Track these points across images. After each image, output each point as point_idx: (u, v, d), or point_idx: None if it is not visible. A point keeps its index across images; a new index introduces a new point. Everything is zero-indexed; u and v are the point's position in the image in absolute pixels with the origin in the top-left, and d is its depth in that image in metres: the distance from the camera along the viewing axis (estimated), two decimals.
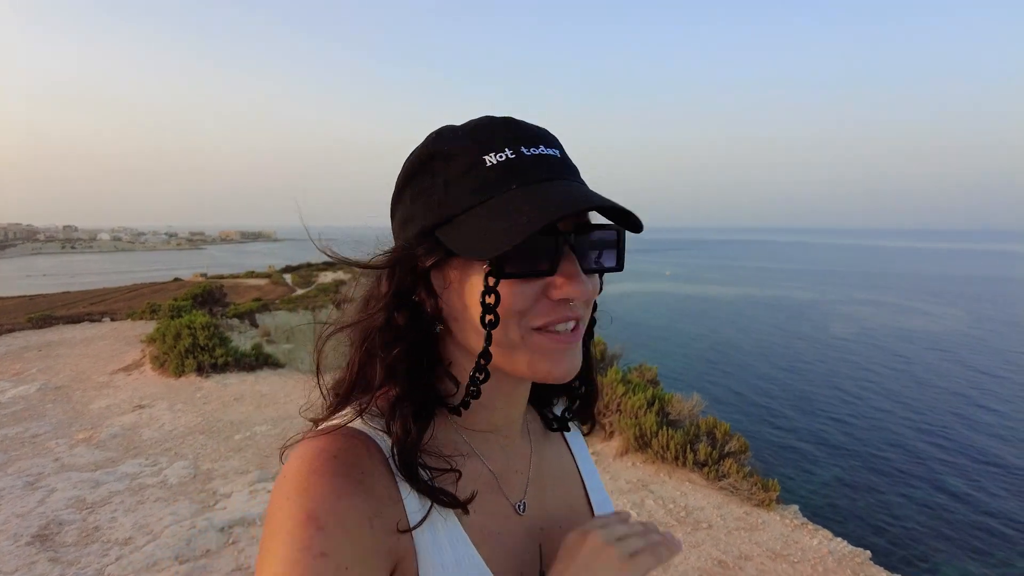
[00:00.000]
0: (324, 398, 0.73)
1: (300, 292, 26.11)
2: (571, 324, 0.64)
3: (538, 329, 0.63)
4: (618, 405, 6.38)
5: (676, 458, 5.56)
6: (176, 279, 36.30)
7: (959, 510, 13.08)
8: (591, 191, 0.62)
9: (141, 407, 7.69)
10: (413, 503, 0.62)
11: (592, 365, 0.82)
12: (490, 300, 0.60)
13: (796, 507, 5.02)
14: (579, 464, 0.87)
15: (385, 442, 0.63)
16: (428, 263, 0.64)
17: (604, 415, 6.39)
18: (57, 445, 6.17)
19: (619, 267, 0.68)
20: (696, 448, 5.54)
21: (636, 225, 0.64)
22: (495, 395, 0.70)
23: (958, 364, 27.37)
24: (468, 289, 0.63)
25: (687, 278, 75.33)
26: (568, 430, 0.86)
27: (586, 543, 0.65)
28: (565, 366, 0.64)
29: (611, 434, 6.24)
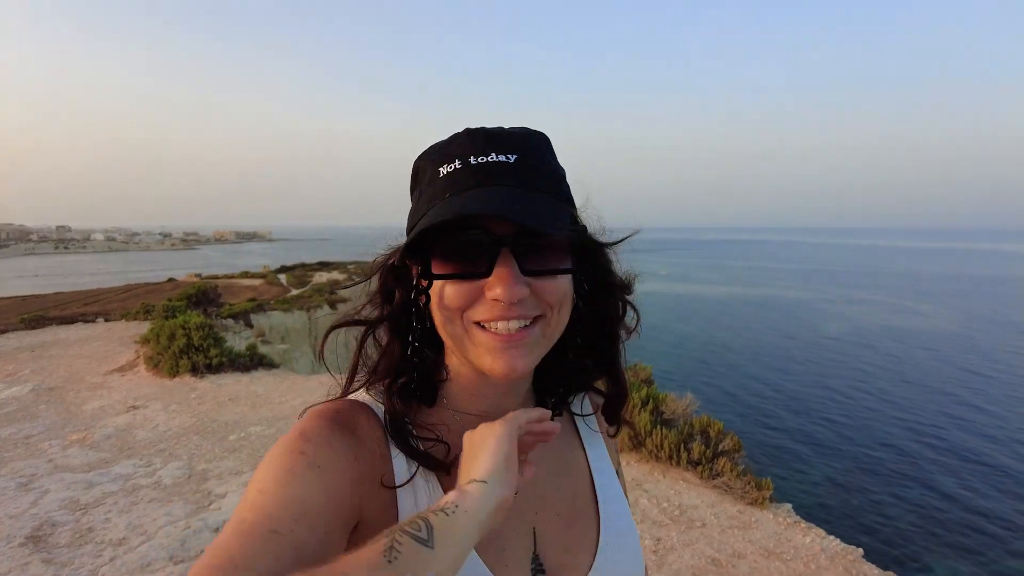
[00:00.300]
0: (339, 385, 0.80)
1: (295, 292, 26.03)
2: (515, 324, 0.67)
3: (479, 324, 0.68)
4: None
5: (670, 457, 5.58)
6: (170, 279, 36.15)
7: (950, 509, 13.15)
8: (514, 197, 0.65)
9: (135, 408, 7.67)
10: (400, 465, 0.69)
11: (618, 367, 0.87)
12: (421, 300, 0.71)
13: (789, 506, 5.05)
14: (589, 455, 0.88)
15: (383, 412, 0.73)
16: (391, 262, 0.74)
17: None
18: (50, 446, 6.15)
19: (572, 269, 0.71)
20: (690, 447, 5.57)
21: (554, 227, 0.65)
22: (480, 383, 0.76)
23: (948, 364, 27.50)
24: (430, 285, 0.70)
25: (681, 277, 75.47)
26: (560, 414, 0.86)
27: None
28: (503, 364, 0.67)
29: None
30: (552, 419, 0.82)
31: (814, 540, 4.39)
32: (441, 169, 0.69)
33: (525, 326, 0.68)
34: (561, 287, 0.69)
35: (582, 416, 0.92)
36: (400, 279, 0.75)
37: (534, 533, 0.75)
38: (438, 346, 0.77)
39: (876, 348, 31.22)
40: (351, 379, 0.77)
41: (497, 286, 0.64)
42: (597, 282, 0.79)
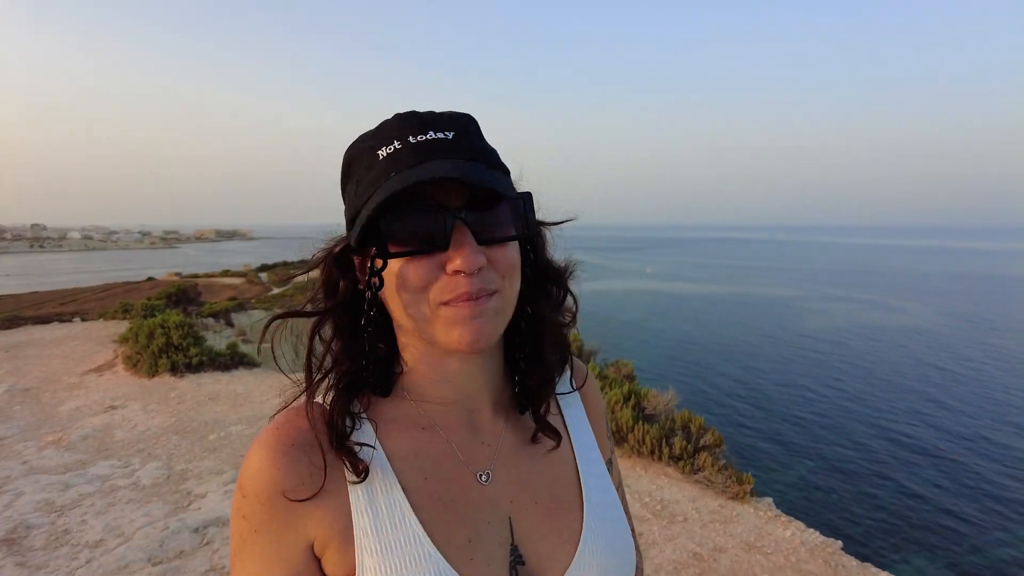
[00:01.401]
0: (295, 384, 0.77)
1: (276, 291, 25.84)
2: (479, 296, 0.66)
3: (445, 304, 0.66)
4: None
5: (652, 452, 5.61)
6: (149, 278, 35.68)
7: (924, 503, 13.39)
8: (460, 165, 0.65)
9: (113, 408, 7.55)
10: (356, 464, 0.69)
11: (544, 353, 0.81)
12: (375, 281, 0.67)
13: (770, 500, 5.11)
14: (572, 438, 0.85)
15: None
16: (336, 250, 0.72)
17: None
18: (25, 448, 6.04)
19: (526, 233, 0.71)
20: (671, 442, 5.61)
21: (506, 191, 0.67)
22: (444, 368, 0.74)
23: (927, 362, 27.99)
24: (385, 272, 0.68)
25: (664, 276, 75.96)
26: (524, 411, 0.81)
27: None
28: (472, 334, 0.66)
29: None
30: (523, 413, 0.81)
31: (794, 533, 4.44)
32: (379, 152, 0.68)
33: (487, 295, 0.67)
34: (512, 256, 0.70)
35: (564, 394, 0.88)
36: (344, 269, 0.73)
37: (510, 522, 0.73)
38: (388, 337, 0.76)
39: (855, 346, 31.69)
40: (309, 377, 0.74)
41: (457, 257, 0.64)
42: (537, 253, 0.79)
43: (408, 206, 0.65)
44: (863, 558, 4.23)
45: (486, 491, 0.73)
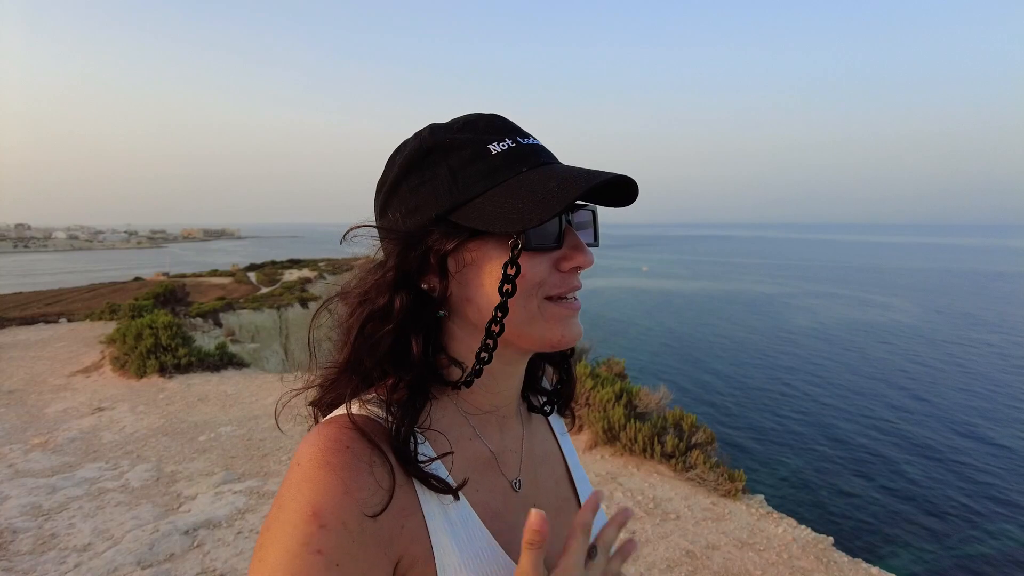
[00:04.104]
0: (311, 384, 0.75)
1: (265, 291, 25.68)
2: (577, 293, 0.72)
3: (551, 299, 0.68)
4: (587, 399, 6.43)
5: (644, 450, 5.62)
6: (137, 278, 35.37)
7: (916, 499, 13.54)
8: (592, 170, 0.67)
9: (101, 410, 7.47)
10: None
11: (567, 357, 0.89)
12: (511, 271, 0.64)
13: (761, 497, 5.12)
14: (560, 445, 0.91)
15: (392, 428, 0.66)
16: (449, 246, 0.67)
17: (573, 409, 6.44)
18: (11, 451, 5.96)
19: (596, 243, 0.75)
20: (663, 440, 5.62)
21: (629, 196, 0.72)
22: (498, 375, 0.74)
23: (912, 358, 28.27)
24: (488, 267, 0.66)
25: (653, 274, 76.22)
26: (550, 413, 0.90)
27: None
28: (575, 331, 0.70)
29: (580, 428, 6.29)
30: (539, 413, 0.88)
31: (786, 530, 4.46)
32: (491, 147, 0.67)
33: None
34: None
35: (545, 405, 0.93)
36: (437, 262, 0.68)
37: None
38: (437, 341, 0.72)
39: (843, 342, 31.96)
40: (336, 380, 0.71)
41: (578, 255, 0.68)
42: None
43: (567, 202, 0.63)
44: (854, 553, 4.26)
45: (520, 499, 0.75)
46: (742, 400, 21.24)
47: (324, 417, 0.69)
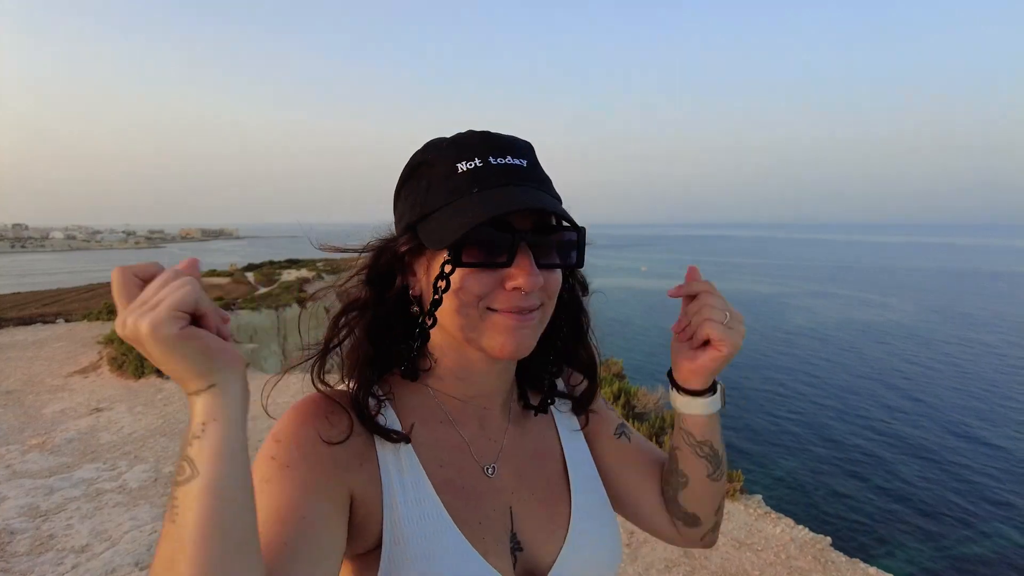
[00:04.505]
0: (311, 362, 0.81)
1: (263, 291, 25.63)
2: (526, 311, 0.74)
3: (494, 310, 0.74)
4: None
5: None
6: None
7: (913, 499, 13.56)
8: (542, 196, 0.73)
9: (99, 410, 7.46)
10: (385, 444, 0.75)
11: (595, 361, 0.95)
12: (441, 284, 0.72)
13: (759, 497, 5.13)
14: (563, 443, 0.93)
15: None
16: (403, 249, 0.76)
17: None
18: (8, 452, 5.95)
19: (578, 264, 0.80)
20: (662, 440, 5.62)
21: (573, 224, 0.76)
22: (469, 368, 0.81)
23: (909, 358, 28.32)
24: (434, 274, 0.74)
25: (651, 273, 76.26)
26: (545, 411, 0.92)
27: None
28: (514, 343, 0.74)
29: None
30: (537, 414, 0.92)
31: (784, 530, 4.47)
32: (459, 165, 0.73)
33: (532, 310, 0.75)
34: (558, 280, 0.78)
35: (561, 411, 0.97)
36: (398, 264, 0.78)
37: (511, 512, 0.81)
38: (408, 329, 0.81)
39: (840, 342, 32.00)
40: (323, 357, 0.79)
41: (520, 276, 0.71)
42: (576, 277, 0.90)
43: (486, 223, 0.69)
44: (851, 553, 4.27)
45: (492, 483, 0.82)
46: (740, 400, 21.26)
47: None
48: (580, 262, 0.80)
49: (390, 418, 0.77)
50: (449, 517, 0.74)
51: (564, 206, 0.79)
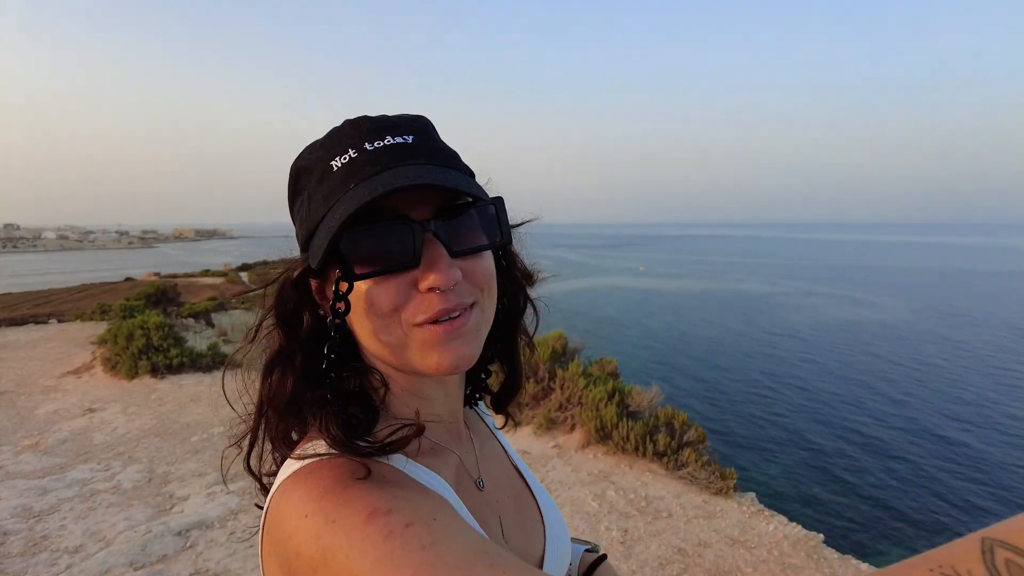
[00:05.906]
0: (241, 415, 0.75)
1: (257, 291, 25.58)
2: (455, 313, 0.62)
3: (420, 325, 0.61)
4: (579, 398, 6.45)
5: (636, 449, 5.65)
6: (128, 279, 35.16)
7: (905, 496, 13.64)
8: (431, 170, 0.61)
9: (92, 411, 7.43)
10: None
11: (519, 354, 0.84)
12: (340, 306, 0.61)
13: (753, 494, 5.16)
14: (500, 440, 0.91)
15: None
16: (295, 275, 0.64)
17: (566, 408, 6.47)
18: (1, 453, 5.93)
19: (504, 240, 0.67)
20: (655, 439, 5.64)
21: (480, 195, 0.64)
22: (431, 388, 0.71)
23: (902, 357, 28.47)
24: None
25: (647, 273, 76.37)
26: (472, 406, 0.89)
27: None
28: (453, 356, 0.62)
29: (572, 427, 6.31)
30: (469, 407, 0.87)
31: (777, 528, 4.49)
32: (333, 162, 0.62)
33: (462, 313, 0.63)
34: (488, 266, 0.66)
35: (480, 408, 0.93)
36: (304, 295, 0.66)
37: (500, 522, 0.76)
38: (356, 366, 0.68)
39: (834, 340, 32.13)
40: (260, 416, 0.69)
41: (430, 273, 0.59)
42: (509, 260, 0.77)
43: (372, 221, 0.59)
44: (844, 550, 4.30)
45: (485, 496, 0.76)
46: (734, 398, 21.32)
47: (285, 459, 0.64)
48: (507, 236, 0.67)
49: (396, 460, 0.62)
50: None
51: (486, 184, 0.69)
